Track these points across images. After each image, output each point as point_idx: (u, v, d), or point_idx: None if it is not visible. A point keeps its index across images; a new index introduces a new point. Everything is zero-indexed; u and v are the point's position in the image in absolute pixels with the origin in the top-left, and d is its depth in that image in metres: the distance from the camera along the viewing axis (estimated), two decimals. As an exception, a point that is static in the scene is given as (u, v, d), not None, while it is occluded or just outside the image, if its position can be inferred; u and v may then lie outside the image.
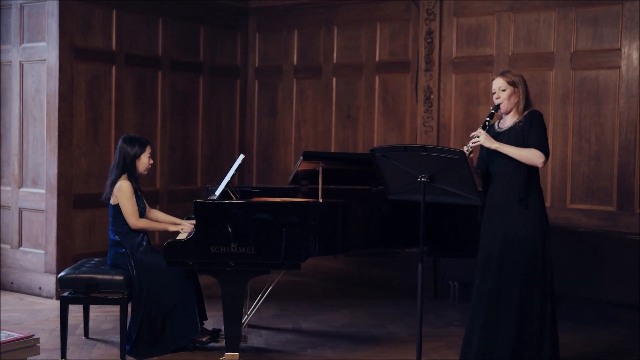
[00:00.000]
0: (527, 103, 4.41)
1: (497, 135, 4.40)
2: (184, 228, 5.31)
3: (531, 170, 4.33)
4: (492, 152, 4.34)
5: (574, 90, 6.40)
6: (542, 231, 4.34)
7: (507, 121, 4.44)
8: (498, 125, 4.48)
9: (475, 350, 4.38)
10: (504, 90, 4.37)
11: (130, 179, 5.24)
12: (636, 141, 6.13)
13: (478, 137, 4.28)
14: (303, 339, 5.66)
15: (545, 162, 4.30)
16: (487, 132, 4.36)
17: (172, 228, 5.36)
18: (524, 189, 4.32)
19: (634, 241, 5.98)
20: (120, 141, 5.32)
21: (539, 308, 4.32)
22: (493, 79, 4.47)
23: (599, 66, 6.29)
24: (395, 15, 7.39)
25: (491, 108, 4.41)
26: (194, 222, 5.35)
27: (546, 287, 4.35)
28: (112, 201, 5.23)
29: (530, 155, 4.27)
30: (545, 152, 4.28)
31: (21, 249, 6.95)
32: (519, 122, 4.36)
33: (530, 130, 4.31)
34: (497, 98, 4.39)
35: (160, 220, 5.50)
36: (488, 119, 4.36)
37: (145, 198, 5.45)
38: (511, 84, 4.37)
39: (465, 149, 4.23)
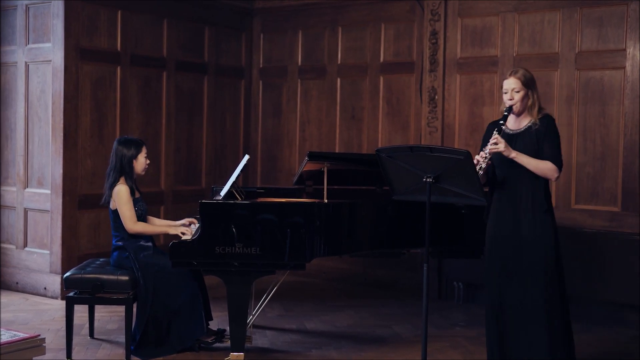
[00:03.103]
0: (539, 104, 4.33)
1: (510, 137, 4.31)
2: (185, 232, 5.24)
3: (547, 180, 4.31)
4: (508, 159, 4.25)
5: (579, 90, 6.40)
6: (557, 235, 4.33)
7: (518, 122, 4.34)
8: (507, 126, 4.35)
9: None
10: (517, 92, 4.26)
11: (127, 181, 5.23)
12: (641, 142, 6.14)
13: (497, 144, 4.18)
14: (308, 339, 5.67)
15: (557, 177, 4.28)
16: (502, 126, 4.26)
17: (172, 231, 5.28)
18: (546, 199, 4.29)
19: (638, 242, 5.98)
20: (115, 143, 5.31)
21: (560, 311, 4.30)
22: (505, 78, 4.33)
23: (604, 67, 6.29)
24: (400, 16, 7.39)
25: (504, 110, 4.28)
26: (190, 220, 5.35)
27: (564, 290, 4.34)
28: (112, 206, 5.22)
29: (545, 170, 4.23)
30: (560, 166, 4.25)
31: (26, 249, 6.96)
32: (534, 124, 4.28)
33: (546, 140, 4.25)
34: (510, 100, 4.26)
35: (160, 223, 5.47)
36: (502, 122, 4.24)
37: (149, 198, 5.46)
38: (525, 85, 4.25)
39: (483, 155, 4.20)
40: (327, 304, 6.79)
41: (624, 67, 6.19)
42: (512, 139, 4.31)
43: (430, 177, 3.99)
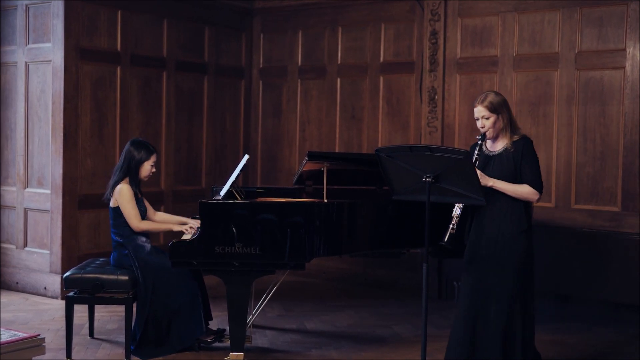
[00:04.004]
0: (513, 125, 4.37)
1: (488, 159, 4.37)
2: (191, 225, 5.28)
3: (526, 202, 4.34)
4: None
5: (579, 90, 6.40)
6: (531, 254, 4.36)
7: (497, 145, 4.39)
8: (487, 148, 4.42)
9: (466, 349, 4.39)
10: (487, 119, 4.32)
11: (131, 182, 5.25)
12: (641, 142, 6.14)
13: None
14: (308, 339, 5.67)
15: (538, 199, 4.31)
16: (479, 155, 4.33)
17: (176, 228, 5.36)
18: (525, 219, 4.32)
19: (638, 242, 5.98)
20: (128, 143, 5.34)
21: (521, 307, 4.32)
22: (474, 106, 4.38)
23: (604, 67, 6.29)
24: (400, 16, 7.39)
25: (477, 138, 4.35)
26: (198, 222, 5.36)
27: (531, 289, 4.37)
28: (112, 204, 5.24)
29: (524, 194, 4.27)
30: (539, 189, 4.29)
31: (26, 249, 6.97)
32: (510, 148, 4.32)
33: (523, 163, 4.29)
34: (482, 127, 4.34)
35: (165, 220, 5.51)
36: (477, 153, 4.31)
37: (149, 198, 5.48)
38: (493, 110, 4.31)
39: None
40: (327, 304, 6.79)
41: (624, 67, 6.19)
42: (490, 160, 4.37)
43: (429, 177, 4.00)
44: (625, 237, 6.07)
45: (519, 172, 4.30)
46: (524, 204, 4.33)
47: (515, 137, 4.35)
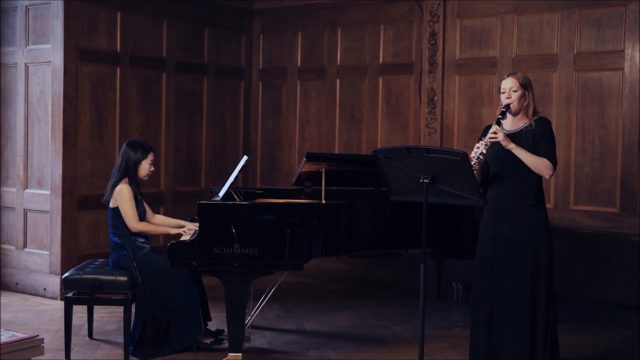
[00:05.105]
0: (535, 107, 4.41)
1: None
2: (188, 229, 5.33)
3: (539, 176, 4.35)
4: (502, 155, 4.31)
5: (578, 91, 6.41)
6: (549, 234, 4.37)
7: (514, 124, 4.41)
8: (504, 127, 4.44)
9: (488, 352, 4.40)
10: (515, 91, 4.35)
11: (130, 183, 5.26)
12: (639, 143, 6.14)
13: (496, 134, 4.24)
14: (307, 339, 5.67)
15: (551, 175, 4.32)
16: (502, 117, 4.35)
17: (173, 231, 5.38)
18: (536, 195, 4.34)
19: (637, 243, 5.98)
20: (124, 145, 5.35)
21: (545, 308, 4.33)
22: (503, 79, 4.43)
23: (603, 68, 6.29)
24: (399, 16, 7.40)
25: (502, 106, 4.37)
26: (197, 224, 5.38)
27: (551, 288, 4.37)
28: (112, 204, 5.25)
29: (540, 165, 4.28)
30: (555, 165, 4.31)
31: (26, 250, 6.97)
32: (530, 126, 4.35)
33: (542, 139, 4.31)
34: (508, 98, 4.36)
35: (163, 223, 5.51)
36: (500, 116, 4.33)
37: (149, 199, 5.48)
38: (523, 85, 4.36)
39: (483, 144, 4.22)
40: (326, 304, 6.79)
41: (623, 68, 6.19)
42: (509, 138, 4.35)
43: (427, 178, 4.00)
44: (624, 238, 6.07)
45: (536, 149, 4.31)
46: (535, 183, 4.32)
47: (536, 117, 4.39)
